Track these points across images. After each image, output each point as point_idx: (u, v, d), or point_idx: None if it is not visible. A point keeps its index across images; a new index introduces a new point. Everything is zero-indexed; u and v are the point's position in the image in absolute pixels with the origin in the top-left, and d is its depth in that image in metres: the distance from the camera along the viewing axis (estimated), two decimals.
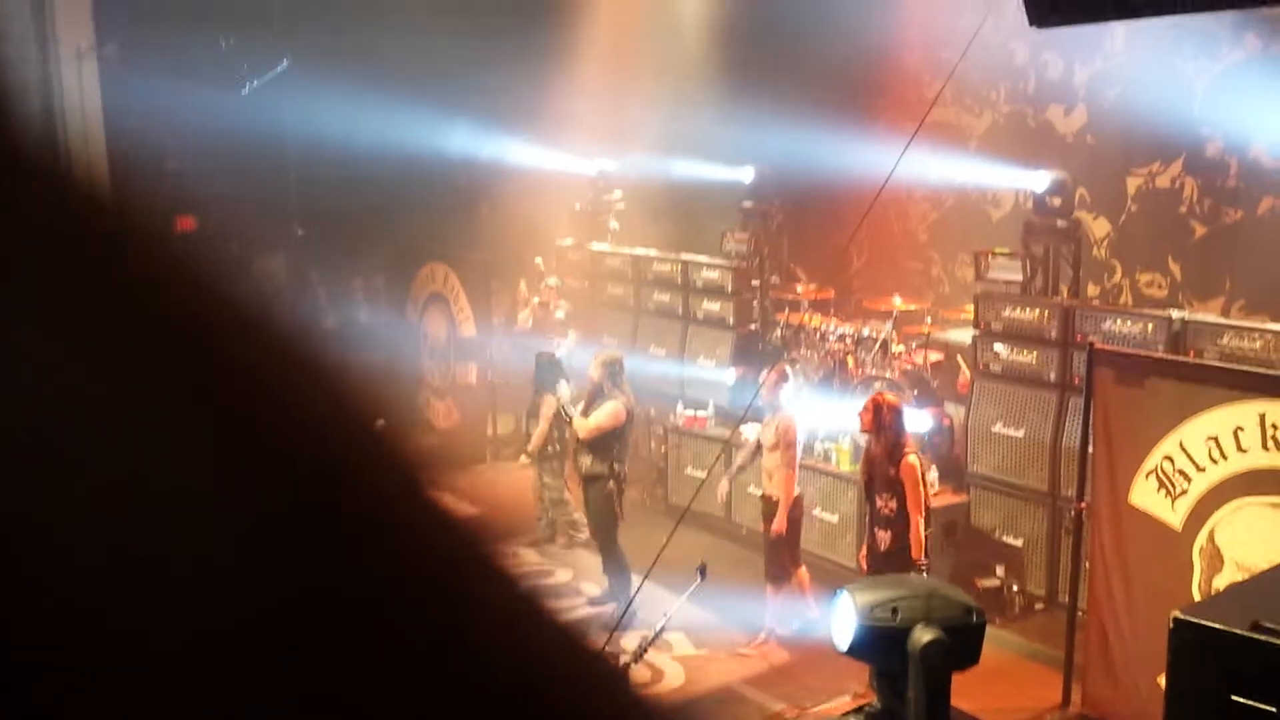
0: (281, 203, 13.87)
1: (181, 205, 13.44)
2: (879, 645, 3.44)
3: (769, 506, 7.67)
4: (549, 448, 9.35)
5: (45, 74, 11.42)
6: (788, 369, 8.48)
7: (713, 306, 10.87)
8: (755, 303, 10.93)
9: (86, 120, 11.59)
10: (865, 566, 7.08)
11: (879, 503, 6.99)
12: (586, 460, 8.27)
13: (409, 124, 11.88)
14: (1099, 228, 10.12)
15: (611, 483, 8.17)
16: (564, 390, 8.89)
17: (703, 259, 11.07)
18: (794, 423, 7.66)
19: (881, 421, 6.87)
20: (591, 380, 8.44)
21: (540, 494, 9.63)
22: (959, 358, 9.50)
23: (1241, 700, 3.35)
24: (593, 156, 12.60)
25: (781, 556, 7.67)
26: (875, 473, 7.01)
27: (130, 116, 11.61)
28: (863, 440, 7.39)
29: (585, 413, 8.21)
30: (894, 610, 3.43)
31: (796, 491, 7.68)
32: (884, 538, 6.95)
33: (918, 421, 8.67)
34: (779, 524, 7.52)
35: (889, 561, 6.87)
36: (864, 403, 7.14)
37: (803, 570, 7.80)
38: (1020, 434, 8.22)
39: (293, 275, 13.97)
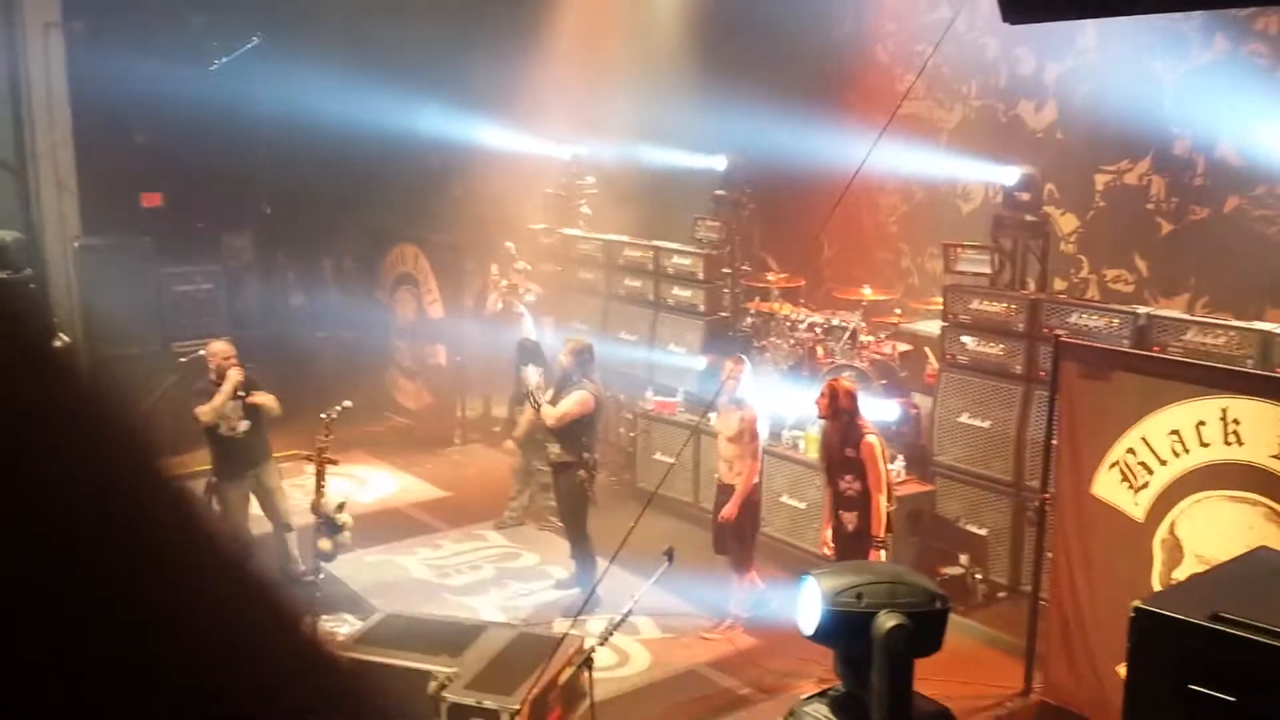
0: (250, 180, 13.71)
1: (148, 181, 13.33)
2: (843, 630, 3.46)
3: (725, 494, 7.72)
4: (538, 434, 9.35)
5: (11, 49, 11.26)
6: (744, 358, 8.51)
7: (683, 293, 10.88)
8: (726, 290, 10.95)
9: (51, 95, 11.44)
10: (832, 549, 7.15)
11: (841, 485, 7.09)
12: (555, 448, 8.26)
13: (381, 104, 11.77)
14: (1067, 223, 10.21)
15: (581, 470, 8.17)
16: (532, 376, 8.87)
17: (674, 246, 11.07)
18: (755, 413, 7.71)
19: (838, 405, 7.00)
20: (561, 367, 8.43)
21: (523, 478, 9.60)
22: (927, 349, 9.57)
23: (1200, 689, 3.41)
24: (566, 141, 12.56)
25: (730, 543, 7.73)
26: (834, 456, 7.11)
27: (96, 92, 11.46)
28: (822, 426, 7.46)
29: (554, 400, 8.20)
30: (859, 595, 3.45)
31: (756, 481, 7.75)
32: (849, 519, 7.04)
33: (884, 411, 8.74)
34: (729, 510, 7.59)
35: (856, 541, 6.96)
36: (820, 388, 7.23)
37: (753, 570, 7.86)
38: (986, 425, 8.30)
39: (260, 253, 13.83)
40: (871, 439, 6.98)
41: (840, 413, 7.01)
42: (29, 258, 10.75)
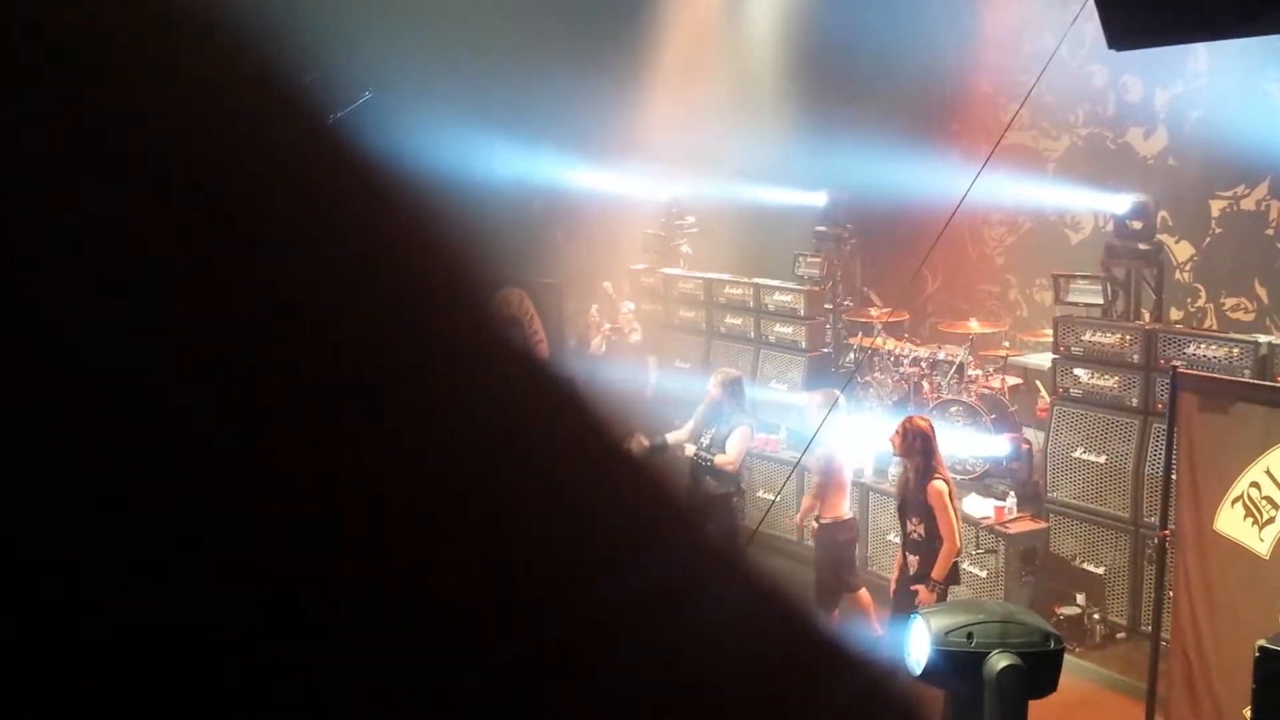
0: None
1: None
2: (953, 670, 3.41)
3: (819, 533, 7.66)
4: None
5: None
6: (838, 393, 8.43)
7: (785, 330, 10.85)
8: (828, 326, 10.89)
9: None
10: (894, 590, 7.03)
11: (909, 527, 6.95)
12: (712, 483, 8.12)
13: (486, 152, 12.07)
14: (1181, 251, 9.93)
15: (736, 500, 8.16)
16: (681, 434, 8.49)
17: (775, 283, 11.06)
18: (835, 450, 7.59)
19: (910, 445, 6.81)
20: (711, 398, 8.35)
21: None
22: (1038, 382, 9.37)
23: None
24: (666, 181, 12.69)
25: (827, 579, 7.62)
26: (907, 496, 6.95)
27: None
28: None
29: (712, 438, 8.14)
30: (969, 635, 3.40)
31: (847, 515, 7.63)
32: (912, 562, 6.91)
33: (995, 447, 8.57)
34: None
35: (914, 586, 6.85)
36: (896, 426, 7.10)
37: (863, 592, 7.72)
38: (1101, 460, 8.07)
39: None
40: (939, 484, 6.74)
41: (913, 453, 6.81)
42: None
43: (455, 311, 0.42)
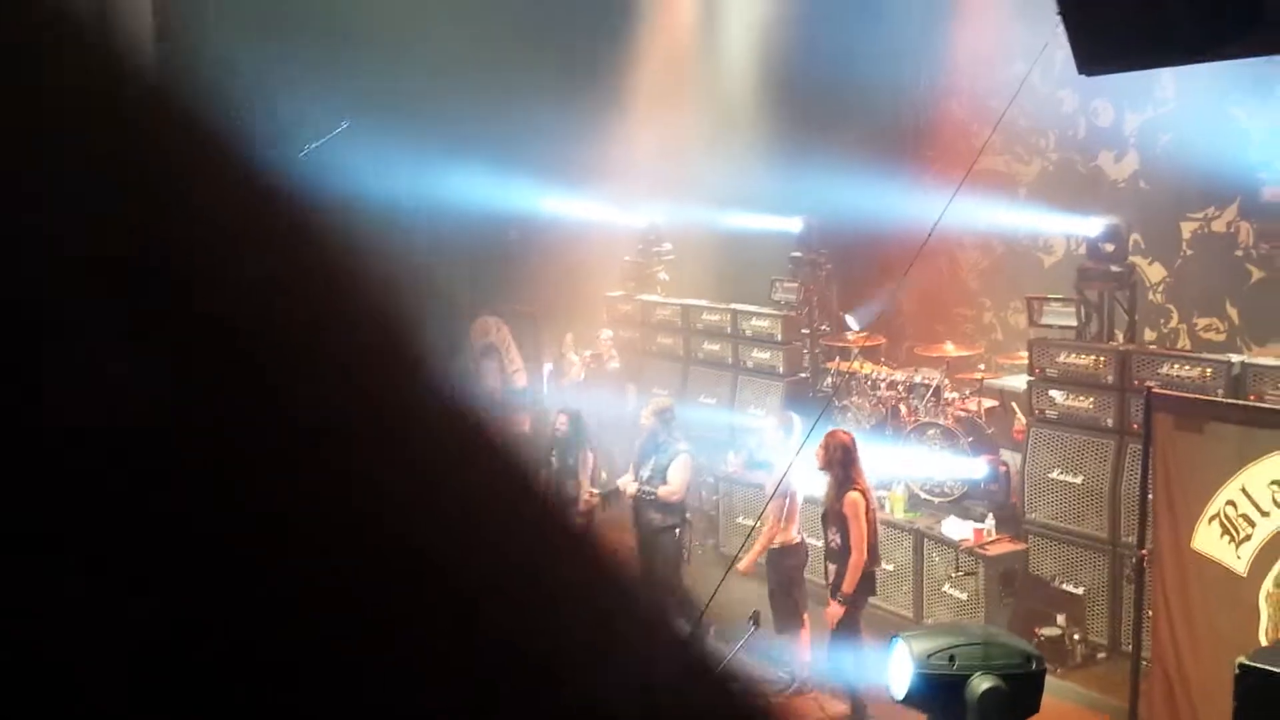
0: None
1: None
2: (936, 693, 3.40)
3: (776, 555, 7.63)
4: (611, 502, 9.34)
5: None
6: (793, 416, 8.42)
7: (763, 355, 10.87)
8: (805, 351, 10.93)
9: None
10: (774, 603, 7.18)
11: (829, 536, 7.07)
12: (656, 516, 8.17)
13: (459, 180, 12.09)
14: (1154, 272, 10.03)
15: (678, 530, 8.12)
16: (625, 478, 8.41)
17: (752, 308, 11.09)
18: (789, 475, 7.54)
19: (831, 457, 6.92)
20: (644, 429, 8.39)
21: None
22: (1014, 404, 9.42)
23: None
24: (642, 208, 12.72)
25: (775, 604, 7.57)
26: (828, 507, 7.04)
27: None
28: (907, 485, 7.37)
29: (651, 469, 8.12)
30: (951, 657, 3.40)
31: (796, 540, 7.57)
32: (831, 570, 7.02)
33: (972, 469, 8.60)
34: (744, 564, 7.44)
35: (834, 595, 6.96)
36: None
37: (805, 618, 7.68)
38: (1078, 480, 8.11)
39: None
40: (855, 495, 6.85)
41: (833, 464, 6.92)
42: None
43: (382, 364, 0.41)
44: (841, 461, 6.90)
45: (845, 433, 7.17)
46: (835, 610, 6.84)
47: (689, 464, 8.06)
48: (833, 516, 6.98)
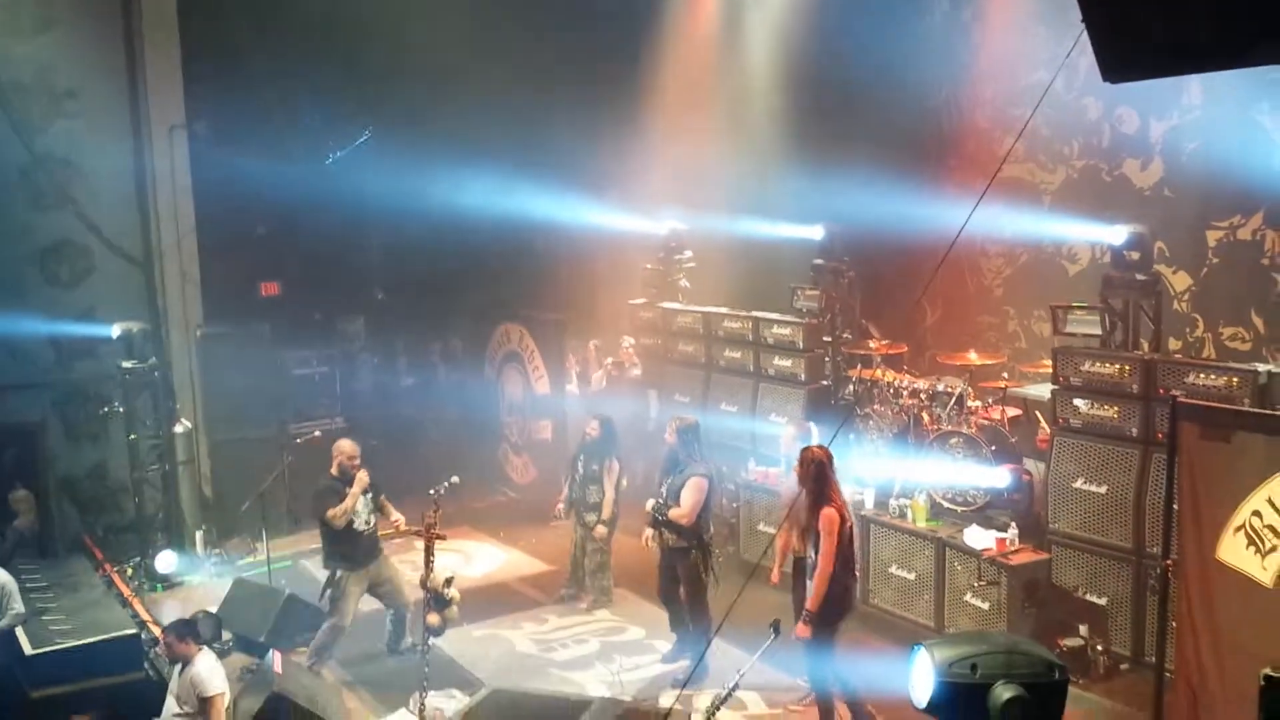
0: (363, 268, 14.27)
1: (266, 271, 13.97)
2: (957, 702, 3.38)
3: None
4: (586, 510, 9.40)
5: (139, 150, 11.94)
6: (810, 424, 8.38)
7: (784, 363, 10.87)
8: (827, 359, 10.91)
9: (176, 193, 12.07)
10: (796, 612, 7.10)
11: (806, 551, 7.02)
12: (672, 536, 8.17)
13: (485, 189, 12.16)
14: (1179, 281, 9.96)
15: (695, 553, 8.09)
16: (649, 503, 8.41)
17: (774, 316, 11.09)
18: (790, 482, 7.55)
19: (805, 472, 6.89)
20: (668, 447, 8.38)
21: (587, 557, 9.54)
22: (1037, 413, 9.37)
23: None
24: (664, 217, 12.75)
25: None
26: (806, 522, 6.98)
27: (218, 188, 12.08)
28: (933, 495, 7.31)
29: (667, 488, 8.13)
30: (973, 666, 3.37)
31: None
32: (808, 586, 6.94)
33: (996, 478, 8.56)
34: (775, 576, 7.53)
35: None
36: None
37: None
38: (1102, 490, 8.06)
39: (372, 337, 14.33)
40: (830, 511, 6.80)
41: (807, 479, 6.87)
42: (155, 347, 11.30)
43: None
44: (815, 477, 6.86)
45: (821, 448, 7.10)
46: (802, 629, 6.79)
47: (702, 487, 8.04)
48: (809, 532, 6.94)
